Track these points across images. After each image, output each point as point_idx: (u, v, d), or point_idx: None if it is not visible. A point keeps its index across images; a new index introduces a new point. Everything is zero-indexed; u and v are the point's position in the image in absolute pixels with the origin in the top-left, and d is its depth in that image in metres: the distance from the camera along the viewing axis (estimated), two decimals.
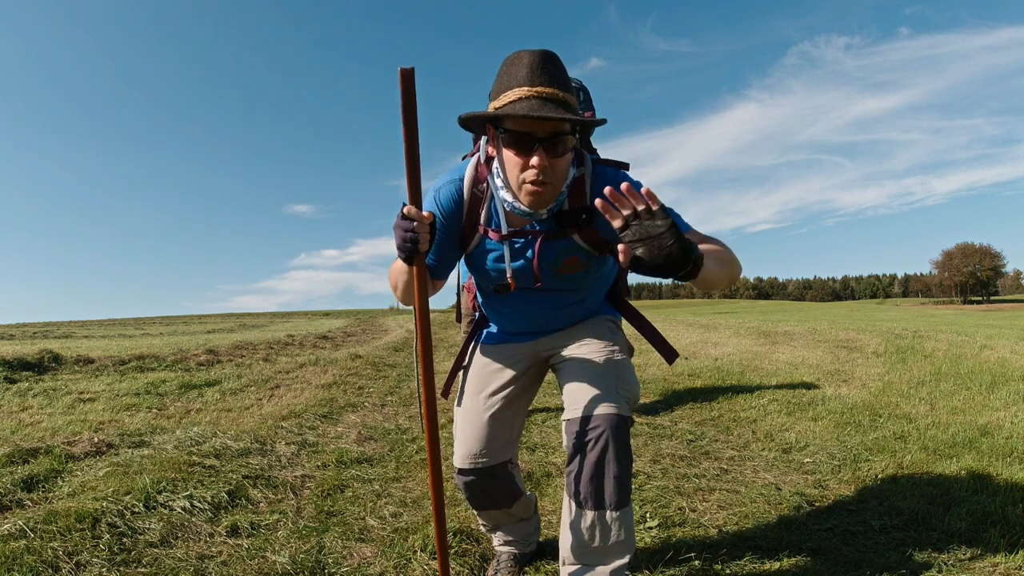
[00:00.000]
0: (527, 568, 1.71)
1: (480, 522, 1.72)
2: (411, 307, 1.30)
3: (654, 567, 1.69)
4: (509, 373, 1.55)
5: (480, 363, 1.60)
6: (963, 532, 1.86)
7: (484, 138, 1.35)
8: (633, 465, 1.42)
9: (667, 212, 1.08)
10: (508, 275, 1.38)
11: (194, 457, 2.66)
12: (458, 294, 1.94)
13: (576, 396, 1.38)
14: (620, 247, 1.07)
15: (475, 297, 1.70)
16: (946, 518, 1.96)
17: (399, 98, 1.05)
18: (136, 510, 2.07)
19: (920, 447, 2.78)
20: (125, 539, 1.86)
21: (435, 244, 1.38)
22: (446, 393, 1.67)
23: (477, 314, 1.73)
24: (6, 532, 1.82)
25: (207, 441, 3.00)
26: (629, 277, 1.69)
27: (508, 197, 1.30)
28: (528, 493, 1.70)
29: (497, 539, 1.73)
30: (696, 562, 1.71)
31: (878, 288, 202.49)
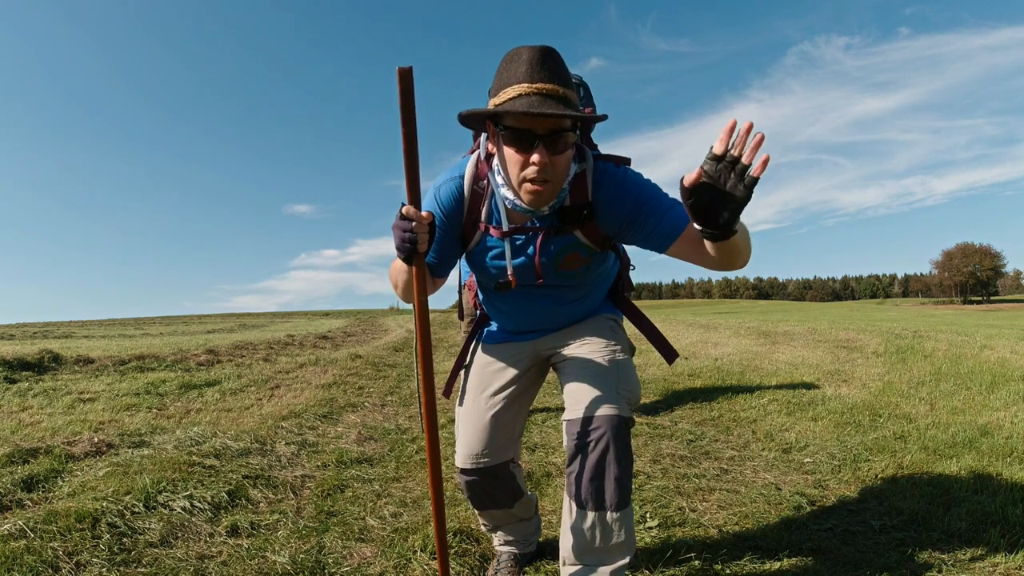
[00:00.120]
0: (527, 568, 1.71)
1: (481, 522, 1.72)
2: (411, 305, 1.30)
3: (654, 567, 1.69)
4: (511, 372, 1.55)
5: (482, 362, 1.59)
6: (963, 532, 1.86)
7: (484, 134, 1.35)
8: (633, 465, 1.42)
9: (754, 185, 1.03)
10: (509, 272, 1.37)
11: (194, 457, 2.66)
12: (460, 293, 1.94)
13: (577, 396, 1.37)
14: (697, 169, 1.04)
15: (476, 295, 1.69)
16: (946, 518, 1.96)
17: (398, 98, 1.04)
18: (136, 510, 2.06)
19: (920, 447, 2.78)
20: (125, 539, 1.86)
21: (435, 242, 1.37)
22: (447, 393, 1.67)
23: (478, 311, 1.72)
24: (6, 532, 1.81)
25: (207, 441, 3.00)
26: (630, 277, 1.69)
27: (509, 195, 1.29)
28: (529, 493, 1.69)
29: (497, 539, 1.73)
30: (696, 562, 1.71)
31: (878, 288, 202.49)
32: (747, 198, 1.03)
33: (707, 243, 1.16)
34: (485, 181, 1.36)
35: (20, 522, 1.86)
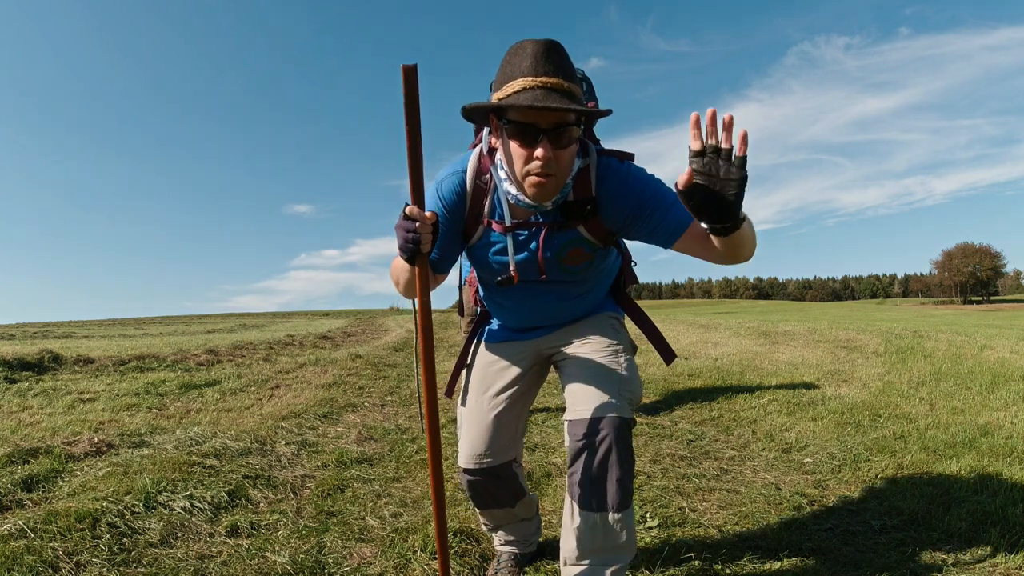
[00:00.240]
0: (527, 568, 1.71)
1: (482, 521, 1.71)
2: (412, 304, 1.29)
3: (654, 567, 1.69)
4: (513, 372, 1.54)
5: (483, 362, 1.58)
6: (963, 532, 1.86)
7: (486, 128, 1.34)
8: (634, 466, 1.41)
9: (745, 163, 1.04)
10: (512, 267, 1.36)
11: (194, 457, 2.66)
12: (460, 290, 1.93)
13: (578, 397, 1.37)
14: (687, 170, 1.05)
15: (476, 292, 1.68)
16: (946, 518, 1.96)
17: (401, 96, 1.04)
18: (136, 510, 2.06)
19: (920, 447, 2.78)
20: (125, 539, 1.86)
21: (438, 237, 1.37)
22: (450, 392, 1.66)
23: (479, 309, 1.71)
24: (6, 532, 1.81)
25: (207, 441, 2.99)
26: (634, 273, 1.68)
27: (512, 189, 1.28)
28: (531, 493, 1.69)
29: (498, 539, 1.72)
30: (696, 562, 1.71)
31: (878, 288, 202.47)
32: (744, 177, 1.03)
33: (713, 238, 1.16)
34: (488, 176, 1.34)
35: (20, 522, 1.86)
